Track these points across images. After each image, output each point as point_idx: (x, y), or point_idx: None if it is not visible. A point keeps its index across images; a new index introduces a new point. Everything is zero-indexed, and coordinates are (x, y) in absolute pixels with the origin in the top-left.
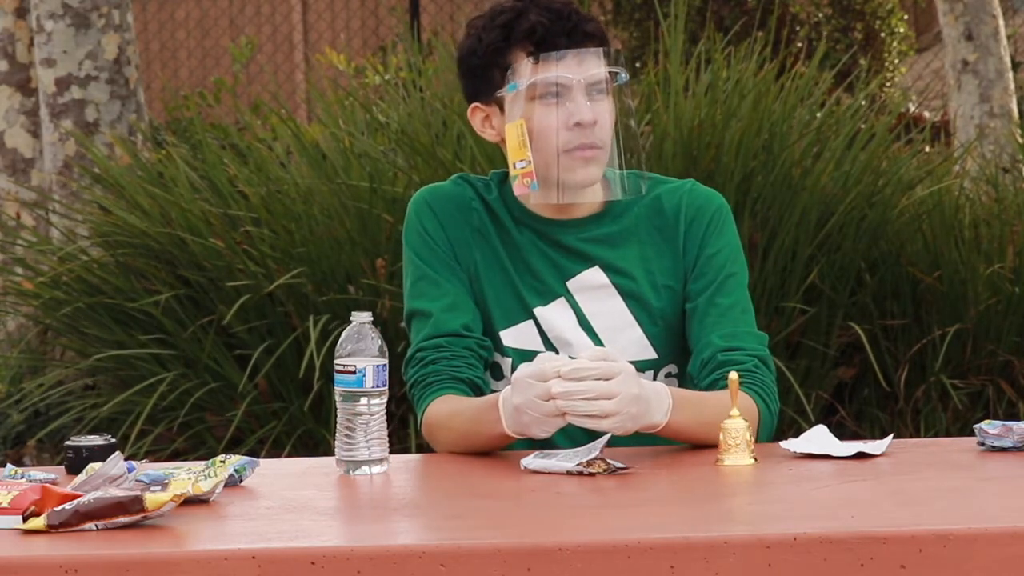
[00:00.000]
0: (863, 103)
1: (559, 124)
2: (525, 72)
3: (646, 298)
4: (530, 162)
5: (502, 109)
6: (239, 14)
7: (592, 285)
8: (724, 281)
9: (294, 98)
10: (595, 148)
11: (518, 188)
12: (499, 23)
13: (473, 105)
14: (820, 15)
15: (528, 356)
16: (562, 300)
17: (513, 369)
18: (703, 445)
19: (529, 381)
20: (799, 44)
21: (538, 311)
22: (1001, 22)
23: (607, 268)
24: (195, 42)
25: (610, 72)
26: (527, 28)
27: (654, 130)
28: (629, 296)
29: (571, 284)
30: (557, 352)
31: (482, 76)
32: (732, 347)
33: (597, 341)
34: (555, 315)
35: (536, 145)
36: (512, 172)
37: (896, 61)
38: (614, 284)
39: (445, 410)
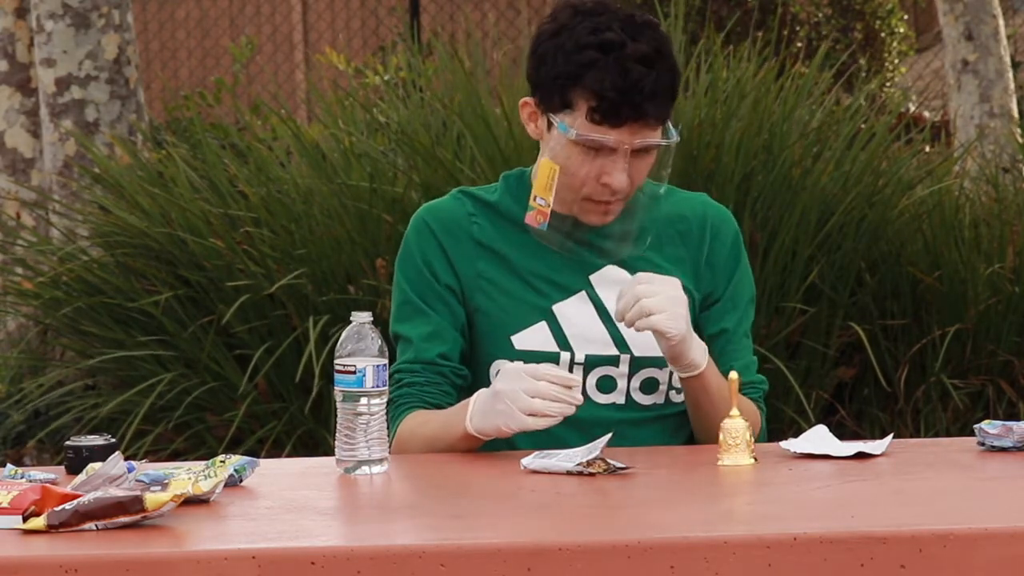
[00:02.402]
0: (863, 103)
1: (589, 175)
2: (579, 121)
3: None
4: (550, 204)
5: (549, 125)
6: (239, 14)
7: (614, 279)
8: (746, 308)
9: (294, 98)
10: (617, 203)
11: (529, 219)
12: (583, 43)
13: (528, 99)
14: (820, 15)
15: (539, 358)
16: (582, 294)
17: None
18: (706, 422)
19: (522, 373)
20: (799, 44)
21: (557, 307)
22: (1001, 22)
23: (626, 264)
24: (195, 42)
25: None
26: (598, 86)
27: None
28: None
29: (594, 278)
30: (572, 352)
31: (545, 84)
32: (745, 381)
33: (617, 333)
34: (575, 310)
35: (560, 182)
36: (531, 202)
37: (896, 61)
38: None
39: (417, 421)
